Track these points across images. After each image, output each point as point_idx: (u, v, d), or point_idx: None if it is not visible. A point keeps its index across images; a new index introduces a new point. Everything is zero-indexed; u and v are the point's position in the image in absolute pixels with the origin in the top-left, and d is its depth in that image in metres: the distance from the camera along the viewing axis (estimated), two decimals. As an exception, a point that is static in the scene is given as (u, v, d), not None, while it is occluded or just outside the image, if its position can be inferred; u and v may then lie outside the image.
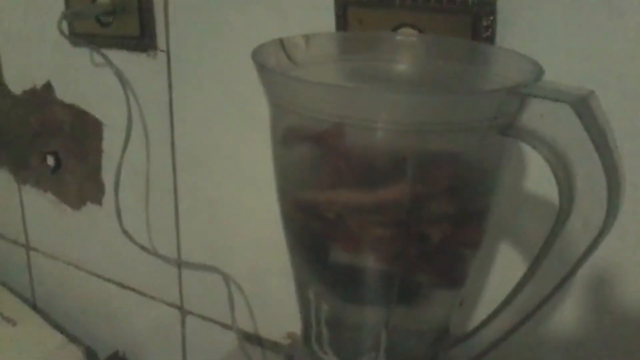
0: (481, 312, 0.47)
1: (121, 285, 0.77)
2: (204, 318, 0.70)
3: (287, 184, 0.38)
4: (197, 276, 0.68)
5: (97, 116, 0.70)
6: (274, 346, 0.64)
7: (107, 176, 0.72)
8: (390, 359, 0.38)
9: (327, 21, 0.49)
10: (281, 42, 0.38)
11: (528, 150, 0.31)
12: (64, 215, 0.79)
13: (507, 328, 0.36)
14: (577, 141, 0.28)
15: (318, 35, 0.41)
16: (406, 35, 0.44)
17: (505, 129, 0.31)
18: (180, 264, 0.69)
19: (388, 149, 0.32)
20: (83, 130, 0.72)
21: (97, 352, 0.82)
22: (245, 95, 0.56)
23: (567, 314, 0.45)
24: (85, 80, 0.69)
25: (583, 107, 0.28)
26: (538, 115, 0.29)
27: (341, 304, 0.38)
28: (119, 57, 0.64)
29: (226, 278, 0.64)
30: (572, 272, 0.32)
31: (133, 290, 0.76)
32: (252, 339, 0.65)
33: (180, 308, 0.72)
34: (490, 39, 0.42)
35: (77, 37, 0.66)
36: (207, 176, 0.63)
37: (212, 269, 0.66)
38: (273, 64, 0.37)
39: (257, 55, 0.34)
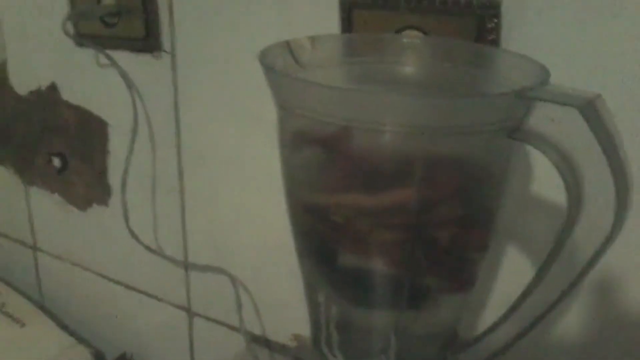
0: (489, 316, 0.47)
1: (128, 287, 0.77)
2: (211, 320, 0.70)
3: (295, 187, 0.37)
4: (204, 278, 0.68)
5: (102, 117, 0.70)
6: (282, 348, 0.64)
7: (113, 177, 0.72)
8: (399, 362, 0.38)
9: (332, 23, 0.48)
10: (287, 44, 0.38)
11: (535, 154, 0.31)
12: (70, 217, 0.79)
13: (515, 332, 0.36)
14: (585, 145, 0.28)
15: (324, 37, 0.41)
16: (411, 37, 0.44)
17: (512, 132, 0.31)
18: (187, 265, 0.69)
19: (396, 152, 0.32)
20: (88, 131, 0.72)
21: (104, 354, 0.82)
22: (251, 96, 0.56)
23: (573, 318, 0.45)
24: (91, 81, 0.69)
25: (590, 111, 0.28)
26: (545, 118, 0.29)
27: (350, 307, 0.38)
28: (124, 58, 0.64)
29: (233, 280, 0.64)
30: (580, 277, 0.32)
31: (140, 291, 0.76)
32: (260, 341, 0.65)
33: (187, 310, 0.72)
34: (495, 42, 0.42)
35: (82, 38, 0.66)
36: (213, 177, 0.63)
37: (219, 271, 0.66)
38: (280, 66, 0.36)
39: (264, 57, 0.34)
